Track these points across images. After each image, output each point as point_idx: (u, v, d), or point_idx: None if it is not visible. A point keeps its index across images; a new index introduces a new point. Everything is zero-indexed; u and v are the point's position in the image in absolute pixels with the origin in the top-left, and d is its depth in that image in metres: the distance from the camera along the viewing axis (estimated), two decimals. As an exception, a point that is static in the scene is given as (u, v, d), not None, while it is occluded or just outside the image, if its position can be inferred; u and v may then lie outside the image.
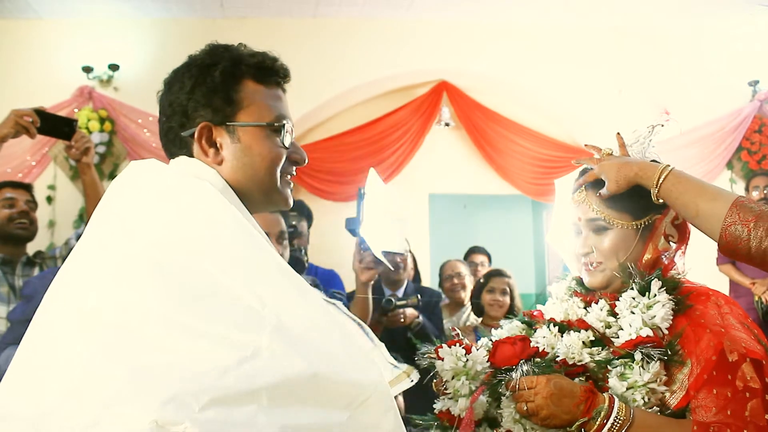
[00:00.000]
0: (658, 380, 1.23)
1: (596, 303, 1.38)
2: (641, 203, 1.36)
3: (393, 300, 2.89)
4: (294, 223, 3.16)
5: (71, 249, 1.12)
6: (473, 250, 4.83)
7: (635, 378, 1.23)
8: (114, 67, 4.90)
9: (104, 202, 1.05)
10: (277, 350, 0.84)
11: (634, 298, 1.30)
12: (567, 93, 5.36)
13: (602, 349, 1.30)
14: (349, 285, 3.07)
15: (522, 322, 1.48)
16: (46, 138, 4.46)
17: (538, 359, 1.28)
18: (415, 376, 1.58)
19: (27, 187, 3.00)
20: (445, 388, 1.40)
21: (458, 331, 1.48)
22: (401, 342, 2.72)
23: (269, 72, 1.16)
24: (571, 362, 1.28)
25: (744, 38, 5.34)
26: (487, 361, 1.35)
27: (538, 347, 1.31)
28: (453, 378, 1.38)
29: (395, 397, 1.45)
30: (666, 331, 1.27)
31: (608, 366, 1.27)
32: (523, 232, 7.37)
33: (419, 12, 5.09)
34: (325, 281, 3.08)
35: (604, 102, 5.29)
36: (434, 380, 1.44)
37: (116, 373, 0.83)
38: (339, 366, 0.88)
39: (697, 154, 5.28)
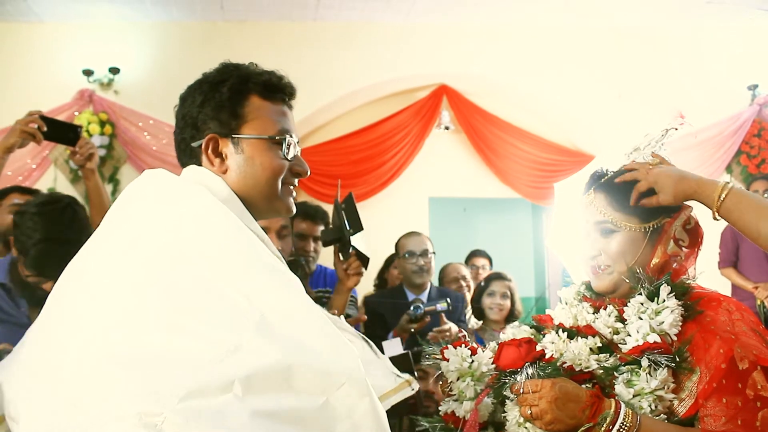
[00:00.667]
0: (666, 387, 1.21)
1: (605, 309, 1.36)
2: (647, 206, 1.35)
3: (421, 306, 2.82)
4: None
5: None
6: (474, 254, 4.83)
7: (642, 385, 1.21)
8: (114, 70, 4.91)
9: (116, 206, 1.15)
10: (255, 345, 0.91)
11: (642, 304, 1.28)
12: (566, 97, 5.37)
13: (610, 356, 1.28)
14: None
15: (531, 327, 1.46)
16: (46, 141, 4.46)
17: (543, 363, 1.27)
18: (416, 386, 1.60)
19: (34, 193, 3.00)
20: (450, 390, 1.39)
21: (464, 333, 1.48)
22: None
23: (275, 89, 1.23)
24: (578, 369, 1.26)
25: (743, 42, 5.36)
26: (492, 364, 1.34)
27: (543, 350, 1.29)
28: (458, 379, 1.37)
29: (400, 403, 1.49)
30: (675, 338, 1.24)
31: (615, 373, 1.25)
32: (523, 236, 7.37)
33: (419, 16, 5.10)
34: (333, 283, 3.07)
35: (603, 106, 5.30)
36: (440, 382, 1.44)
37: (109, 371, 0.91)
38: (315, 356, 0.94)
39: (696, 157, 5.28)
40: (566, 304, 1.46)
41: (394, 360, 2.29)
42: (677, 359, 1.21)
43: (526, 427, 1.23)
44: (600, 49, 5.37)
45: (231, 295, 0.96)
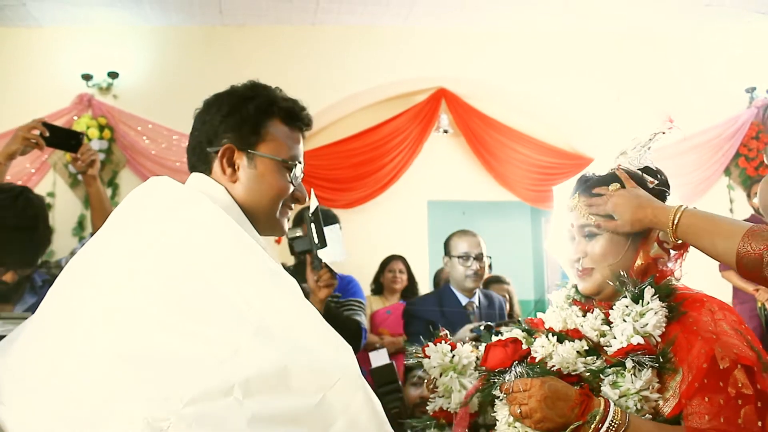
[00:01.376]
0: (650, 388, 1.23)
1: (592, 312, 1.37)
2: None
3: (492, 326, 2.67)
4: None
5: None
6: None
7: (627, 386, 1.22)
8: (113, 75, 4.91)
9: (122, 209, 1.19)
10: (254, 348, 0.95)
11: (627, 306, 1.30)
12: (565, 100, 5.38)
13: (596, 359, 1.30)
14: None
15: (522, 330, 1.47)
16: (45, 145, 4.46)
17: (532, 362, 1.28)
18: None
19: None
20: (436, 387, 1.43)
21: (446, 331, 1.52)
22: None
23: (296, 117, 1.32)
24: (565, 372, 1.28)
25: (741, 45, 5.37)
26: (480, 366, 1.35)
27: (529, 349, 1.31)
28: (441, 375, 1.42)
29: None
30: (659, 339, 1.26)
31: (601, 375, 1.27)
32: (522, 239, 7.37)
33: (418, 19, 5.11)
34: (343, 288, 2.99)
35: (602, 109, 5.31)
36: (425, 380, 1.48)
37: (115, 373, 0.94)
38: (310, 355, 0.97)
39: (695, 160, 5.29)
40: (557, 307, 1.48)
41: (379, 370, 2.29)
42: (661, 360, 1.23)
43: (515, 427, 1.24)
44: (598, 53, 5.38)
45: (233, 299, 1.00)
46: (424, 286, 4.97)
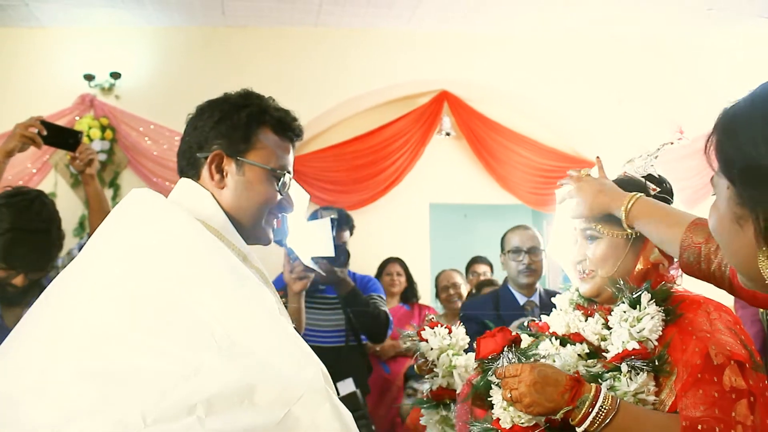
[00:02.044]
0: (646, 390, 1.25)
1: (592, 317, 1.41)
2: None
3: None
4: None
5: (73, 259, 1.22)
6: (476, 260, 4.82)
7: (623, 389, 1.25)
8: (115, 75, 4.91)
9: (102, 228, 1.19)
10: (218, 366, 0.95)
11: (624, 312, 1.32)
12: (567, 103, 5.37)
13: (597, 362, 1.33)
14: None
15: (528, 335, 1.51)
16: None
17: (522, 348, 1.32)
18: None
19: None
20: (434, 366, 1.49)
21: (433, 317, 1.59)
22: None
23: (287, 127, 1.34)
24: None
25: (743, 50, 5.36)
26: (476, 359, 1.37)
27: (518, 335, 1.34)
28: (439, 357, 1.47)
29: None
30: (656, 342, 1.29)
31: (600, 379, 1.29)
32: (524, 242, 7.35)
33: (420, 22, 5.11)
34: (363, 287, 3.06)
35: (604, 112, 5.30)
36: (417, 363, 1.54)
37: (77, 390, 0.94)
38: (274, 372, 0.97)
39: (696, 165, 5.26)
40: (560, 310, 1.51)
41: (345, 399, 2.31)
42: (656, 363, 1.26)
43: (507, 410, 1.25)
44: (600, 56, 5.37)
45: (198, 314, 1.00)
46: (425, 289, 4.96)
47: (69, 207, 4.70)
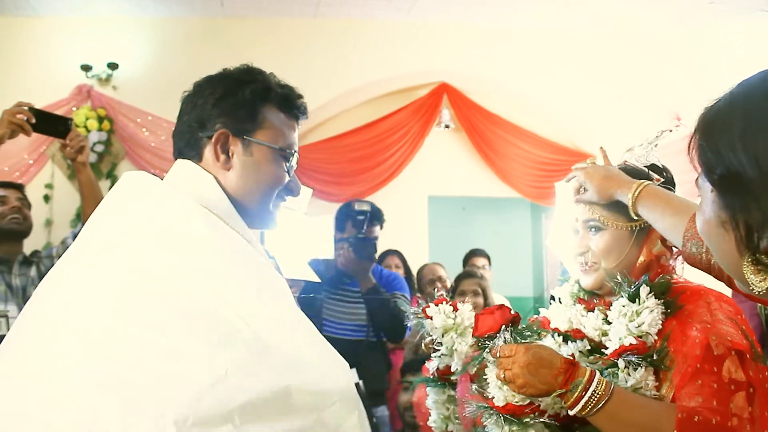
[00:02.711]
0: (644, 385, 1.24)
1: (592, 312, 1.40)
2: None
3: None
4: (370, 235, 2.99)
5: (67, 248, 1.14)
6: (474, 253, 4.80)
7: (621, 384, 1.24)
8: (113, 66, 4.88)
9: (98, 215, 1.11)
10: (249, 367, 0.89)
11: (624, 306, 1.31)
12: (567, 96, 5.36)
13: (598, 359, 1.32)
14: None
15: (531, 332, 1.50)
16: (43, 137, 4.43)
17: (519, 327, 1.31)
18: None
19: (18, 187, 2.98)
20: (439, 345, 1.46)
21: (443, 292, 1.55)
22: None
23: (293, 104, 1.25)
24: None
25: (745, 43, 5.34)
26: (473, 335, 1.37)
27: (518, 313, 1.33)
28: (443, 335, 1.45)
29: None
30: (655, 336, 1.28)
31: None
32: (522, 235, 7.36)
33: (420, 14, 5.08)
34: (388, 284, 3.06)
35: (603, 106, 5.29)
36: (424, 341, 1.51)
37: (106, 401, 0.86)
38: (309, 376, 0.93)
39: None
40: (560, 302, 1.50)
41: None
42: (653, 358, 1.25)
43: (502, 389, 1.25)
44: (601, 50, 5.35)
45: (223, 312, 0.93)
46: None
47: (66, 198, 4.68)
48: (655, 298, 1.30)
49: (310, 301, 2.78)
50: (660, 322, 1.28)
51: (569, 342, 1.34)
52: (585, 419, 1.20)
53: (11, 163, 4.59)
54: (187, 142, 1.21)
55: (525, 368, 1.19)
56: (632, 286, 1.32)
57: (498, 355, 1.25)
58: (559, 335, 1.36)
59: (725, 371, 1.17)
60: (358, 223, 2.98)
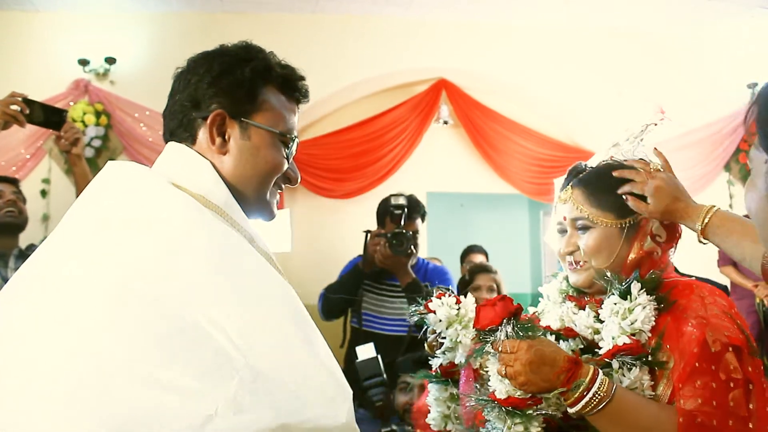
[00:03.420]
0: (640, 385, 1.23)
1: (583, 309, 1.37)
2: (626, 202, 1.36)
3: None
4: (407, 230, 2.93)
5: None
6: (471, 249, 4.81)
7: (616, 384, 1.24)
8: (111, 61, 4.86)
9: (78, 207, 1.01)
10: (243, 404, 0.80)
11: (615, 304, 1.29)
12: (566, 93, 5.35)
13: (592, 356, 1.30)
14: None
15: (525, 329, 1.49)
16: (41, 131, 4.42)
17: (522, 322, 1.28)
18: None
19: (13, 181, 2.97)
20: (443, 340, 1.43)
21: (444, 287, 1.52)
22: None
23: (294, 87, 1.17)
24: None
25: (743, 41, 5.34)
26: (474, 327, 1.34)
27: (520, 305, 1.30)
28: (447, 328, 1.42)
29: None
30: (649, 334, 1.27)
31: None
32: (520, 232, 7.37)
33: (419, 10, 5.07)
34: (432, 278, 3.02)
35: (603, 103, 5.28)
36: (427, 341, 1.48)
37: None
38: (308, 412, 0.85)
39: (695, 156, 5.27)
40: (552, 302, 1.47)
41: (364, 364, 2.29)
42: (648, 358, 1.24)
43: (504, 382, 1.24)
44: (600, 46, 5.35)
45: (216, 338, 0.83)
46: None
47: (63, 193, 4.66)
48: (647, 293, 1.28)
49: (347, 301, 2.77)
50: (653, 318, 1.27)
51: (561, 341, 1.32)
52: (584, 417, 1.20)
53: (8, 158, 4.58)
54: (180, 123, 1.12)
55: (527, 366, 1.18)
56: (623, 283, 1.30)
57: (500, 349, 1.23)
58: (551, 333, 1.34)
59: (723, 369, 1.16)
60: (396, 218, 2.97)
